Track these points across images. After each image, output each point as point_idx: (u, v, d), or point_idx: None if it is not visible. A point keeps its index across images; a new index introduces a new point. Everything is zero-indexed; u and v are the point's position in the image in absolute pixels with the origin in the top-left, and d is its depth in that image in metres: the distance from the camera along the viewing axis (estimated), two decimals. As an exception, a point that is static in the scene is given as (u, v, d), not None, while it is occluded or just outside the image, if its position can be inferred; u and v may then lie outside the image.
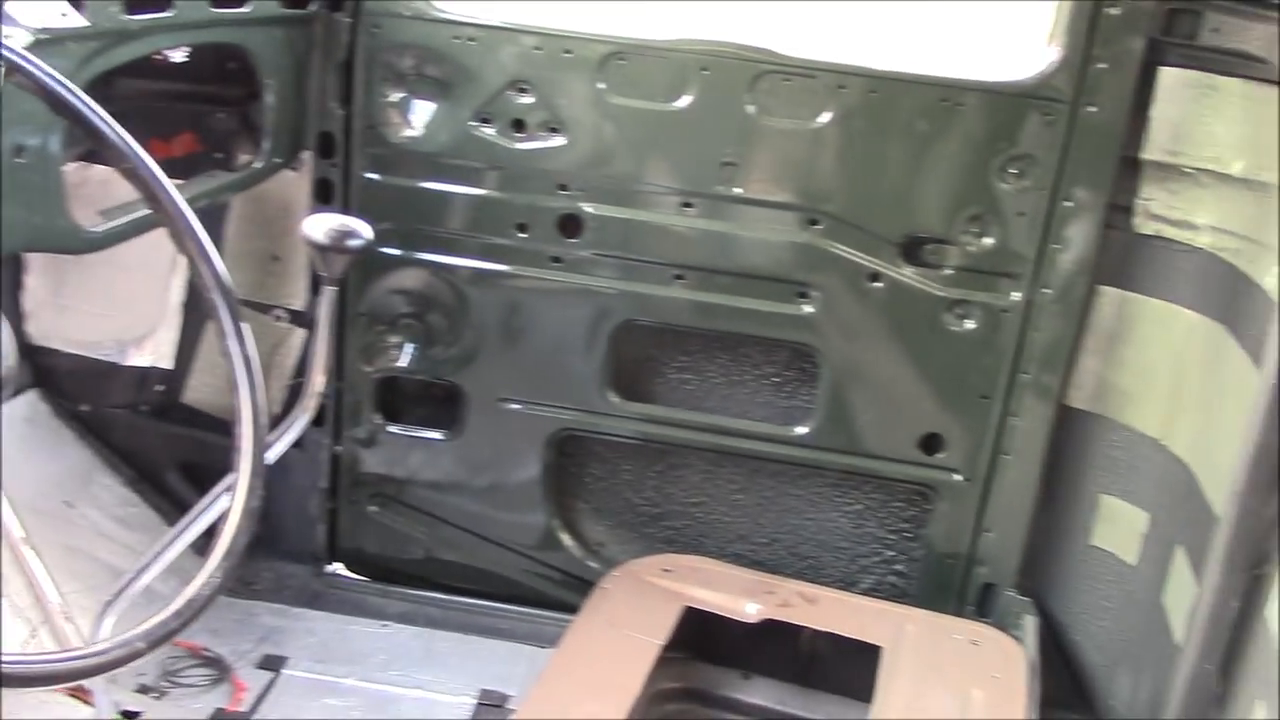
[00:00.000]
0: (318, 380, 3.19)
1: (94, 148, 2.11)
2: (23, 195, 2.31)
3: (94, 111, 2.06)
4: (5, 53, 1.93)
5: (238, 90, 3.50)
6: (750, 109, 3.49)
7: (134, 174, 2.13)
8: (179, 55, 3.46)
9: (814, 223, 3.57)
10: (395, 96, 3.63)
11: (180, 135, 3.48)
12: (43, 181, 2.40)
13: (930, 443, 3.75)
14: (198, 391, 4.02)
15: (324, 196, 3.69)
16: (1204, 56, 3.22)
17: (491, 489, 3.98)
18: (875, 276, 3.59)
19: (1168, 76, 3.28)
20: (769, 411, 3.89)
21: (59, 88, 2.00)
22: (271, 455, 2.90)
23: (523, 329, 3.78)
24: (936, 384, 3.68)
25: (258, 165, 3.46)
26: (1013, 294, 3.55)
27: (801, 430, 3.81)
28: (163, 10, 2.78)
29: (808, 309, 3.65)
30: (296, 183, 3.68)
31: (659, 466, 4.02)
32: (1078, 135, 3.37)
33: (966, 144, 3.46)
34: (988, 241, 3.53)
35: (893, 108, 3.47)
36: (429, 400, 4.00)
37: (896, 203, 3.54)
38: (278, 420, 2.99)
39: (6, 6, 2.22)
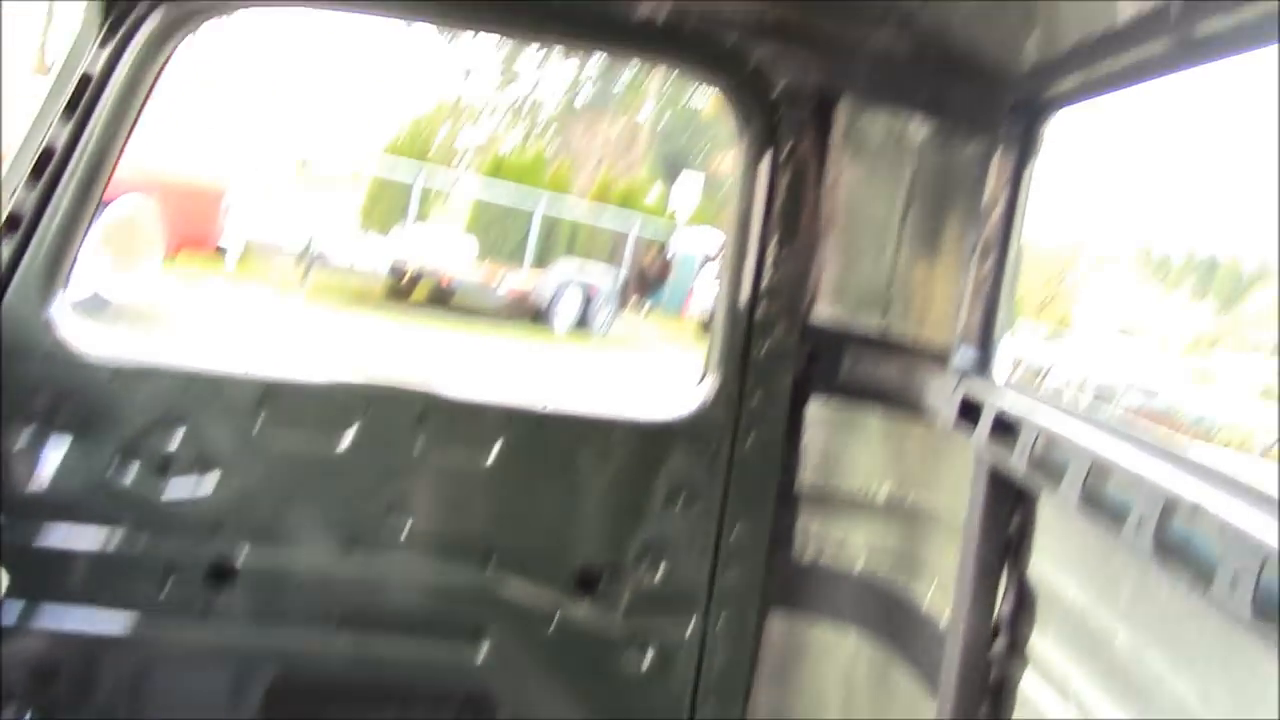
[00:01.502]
0: None
1: None
2: None
3: None
4: None
5: None
6: (415, 448, 3.38)
7: None
8: None
9: (484, 563, 3.43)
10: (25, 438, 3.23)
11: None
12: None
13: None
14: None
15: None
16: (846, 391, 3.45)
17: None
18: (549, 617, 3.46)
19: (815, 410, 3.47)
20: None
21: None
22: None
23: (161, 699, 3.32)
24: None
25: None
26: (686, 626, 3.51)
27: None
28: None
29: (479, 657, 3.44)
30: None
31: None
32: (736, 468, 3.47)
33: (632, 478, 3.48)
34: (659, 574, 3.50)
35: (559, 444, 3.47)
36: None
37: (567, 539, 3.48)
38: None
39: None
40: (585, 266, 27.09)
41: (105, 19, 2.97)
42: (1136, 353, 39.92)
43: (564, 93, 59.13)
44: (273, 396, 3.31)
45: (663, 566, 3.50)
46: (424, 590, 3.42)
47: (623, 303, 27.80)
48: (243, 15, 3.28)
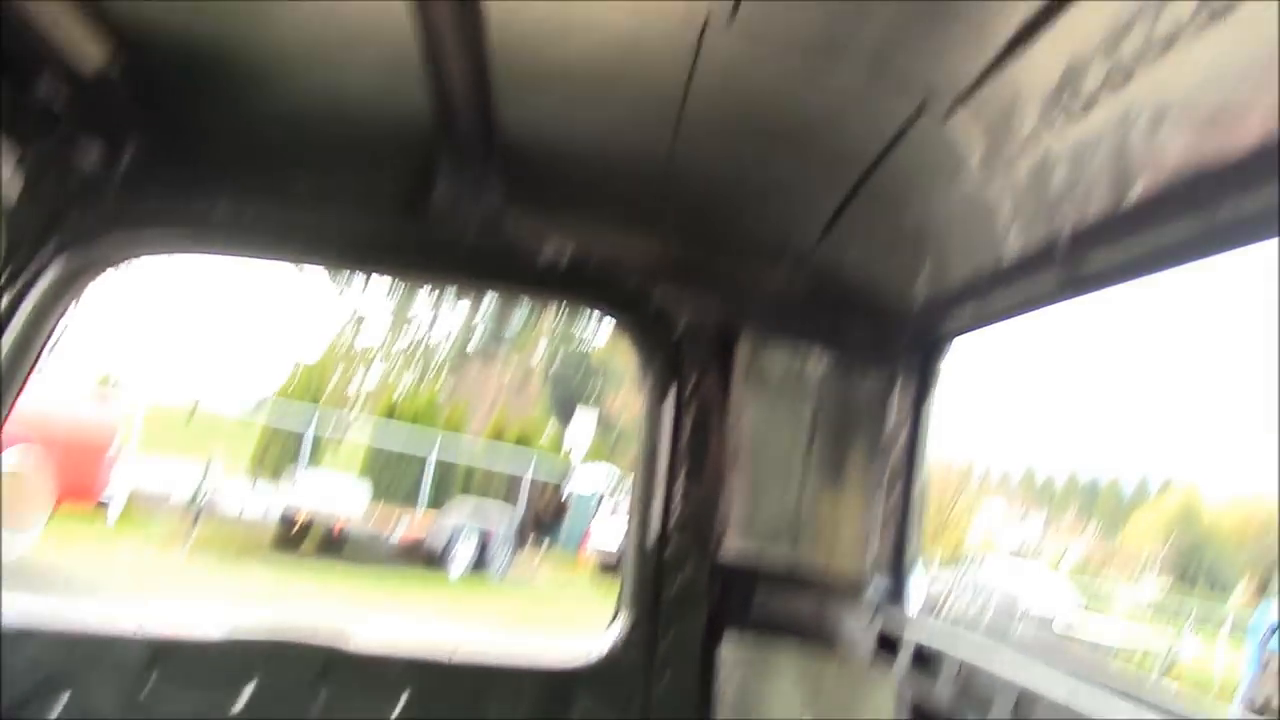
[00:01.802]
0: None
1: None
2: None
3: None
4: None
5: None
6: (317, 705, 3.21)
7: None
8: None
9: None
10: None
11: None
12: None
13: None
14: None
15: None
16: (761, 627, 3.40)
17: None
18: None
19: (730, 647, 3.41)
20: None
21: None
22: None
23: None
24: None
25: None
26: None
27: None
28: None
29: None
30: None
31: None
32: (654, 710, 3.36)
33: None
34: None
35: (467, 694, 3.33)
36: None
37: None
38: None
39: None
40: (481, 506, 26.79)
41: (3, 269, 2.94)
42: (1030, 577, 40.44)
43: (458, 336, 59.94)
44: (164, 656, 3.13)
45: None
46: None
47: (520, 544, 27.40)
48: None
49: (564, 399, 54.52)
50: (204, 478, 22.45)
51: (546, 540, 30.68)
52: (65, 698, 3.05)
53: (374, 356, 61.46)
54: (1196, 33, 1.64)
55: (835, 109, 2.55)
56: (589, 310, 3.63)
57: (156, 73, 2.71)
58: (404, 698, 3.25)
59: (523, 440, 34.79)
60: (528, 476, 32.76)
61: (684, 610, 3.39)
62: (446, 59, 2.44)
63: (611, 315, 3.55)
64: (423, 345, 61.50)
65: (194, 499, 22.07)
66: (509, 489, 32.57)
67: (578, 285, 3.38)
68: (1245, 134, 1.61)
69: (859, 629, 3.06)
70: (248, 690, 3.16)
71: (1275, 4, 1.49)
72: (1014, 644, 2.54)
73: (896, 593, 3.08)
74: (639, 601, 3.40)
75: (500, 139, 2.88)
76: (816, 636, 3.31)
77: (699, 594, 3.40)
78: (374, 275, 3.54)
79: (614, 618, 3.46)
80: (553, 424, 46.84)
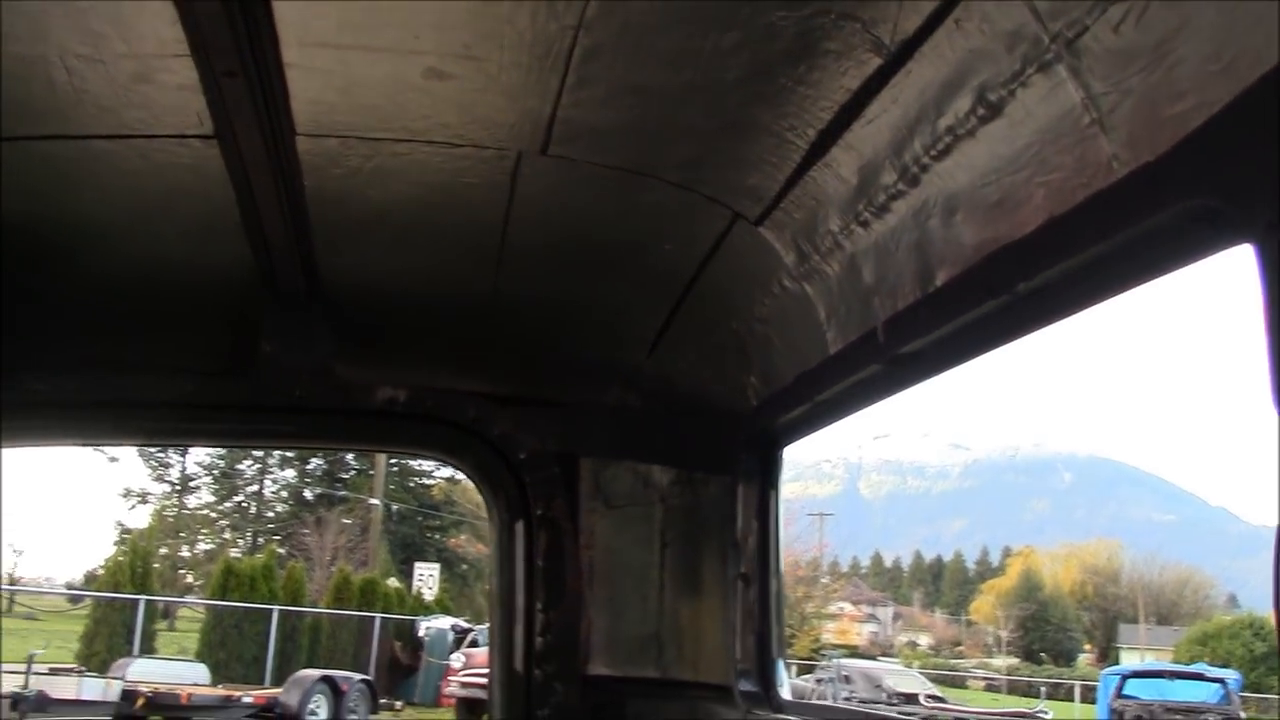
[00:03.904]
0: None
1: None
2: None
3: None
4: None
5: None
6: None
7: None
8: None
9: None
10: None
11: None
12: None
13: None
14: None
15: None
16: None
17: None
18: None
19: None
20: None
21: None
22: None
23: None
24: None
25: None
26: None
27: None
28: None
29: None
30: None
31: None
32: None
33: None
34: None
35: None
36: None
37: None
38: None
39: None
40: (330, 671, 25.75)
41: None
42: (886, 668, 41.00)
43: (288, 495, 58.35)
44: None
45: None
46: None
47: (375, 703, 26.42)
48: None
49: (406, 547, 53.45)
50: (29, 670, 21.05)
51: (403, 695, 29.72)
52: None
53: (204, 521, 59.28)
54: (975, 129, 1.79)
55: (652, 228, 2.66)
56: (428, 453, 3.63)
57: None
58: None
59: (366, 594, 33.79)
60: (376, 629, 31.82)
61: None
62: (263, 210, 2.45)
63: (451, 454, 3.56)
64: (255, 503, 59.67)
65: (21, 693, 20.64)
66: (357, 648, 31.56)
67: (414, 428, 3.39)
68: (1030, 217, 1.77)
69: None
70: None
71: (1041, 99, 1.65)
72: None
73: (765, 690, 3.11)
74: None
75: (325, 287, 2.90)
76: None
77: (571, 715, 3.37)
78: (206, 443, 3.47)
79: None
80: (397, 576, 45.77)
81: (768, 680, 3.12)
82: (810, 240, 2.40)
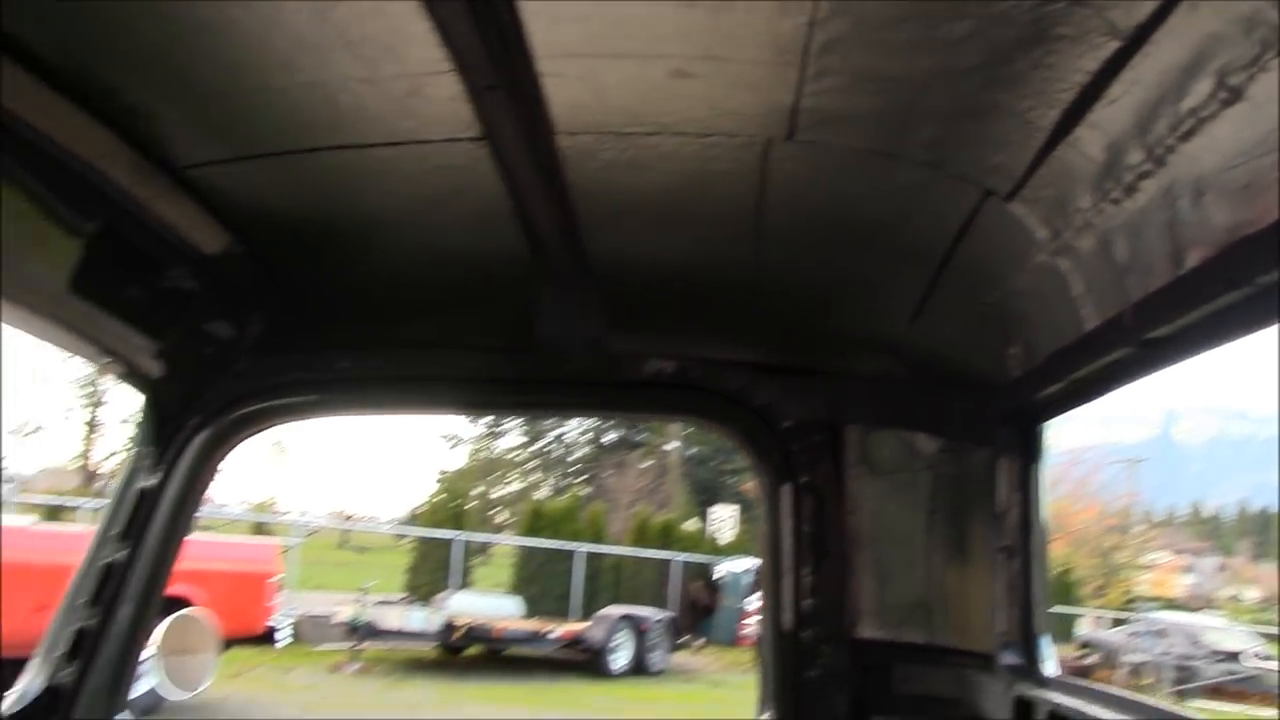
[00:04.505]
0: None
1: None
2: None
3: None
4: None
5: None
6: None
7: None
8: None
9: None
10: None
11: None
12: None
13: None
14: None
15: None
16: (901, 705, 3.45)
17: None
18: None
19: None
20: None
21: None
22: None
23: None
24: None
25: None
26: None
27: None
28: None
29: None
30: None
31: None
32: None
33: None
34: None
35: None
36: None
37: None
38: None
39: None
40: (631, 610, 26.78)
41: (155, 441, 3.24)
42: (1205, 623, 38.60)
43: (590, 440, 60.53)
44: None
45: None
46: None
47: (675, 640, 27.31)
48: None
49: (706, 487, 54.43)
50: (362, 600, 23.01)
51: (701, 634, 30.51)
52: None
53: (512, 464, 62.44)
54: (1217, 112, 1.76)
55: (902, 206, 2.69)
56: (695, 420, 3.78)
57: (272, 249, 2.99)
58: None
59: (666, 535, 34.82)
60: (676, 570, 32.75)
61: (825, 694, 3.45)
62: (531, 202, 2.65)
63: (717, 423, 3.69)
64: (560, 447, 62.25)
65: (355, 621, 22.61)
66: (658, 588, 32.56)
67: (681, 398, 3.54)
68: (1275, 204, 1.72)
69: (995, 700, 3.10)
70: None
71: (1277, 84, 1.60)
72: (1147, 706, 2.56)
73: (1030, 661, 3.11)
74: (781, 690, 3.48)
75: (593, 268, 3.08)
76: (957, 711, 3.35)
77: (839, 677, 3.46)
78: (490, 414, 3.76)
79: (761, 708, 3.54)
80: (696, 515, 46.79)
81: (1032, 654, 3.11)
82: (1062, 216, 2.38)
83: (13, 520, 18.40)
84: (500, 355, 3.44)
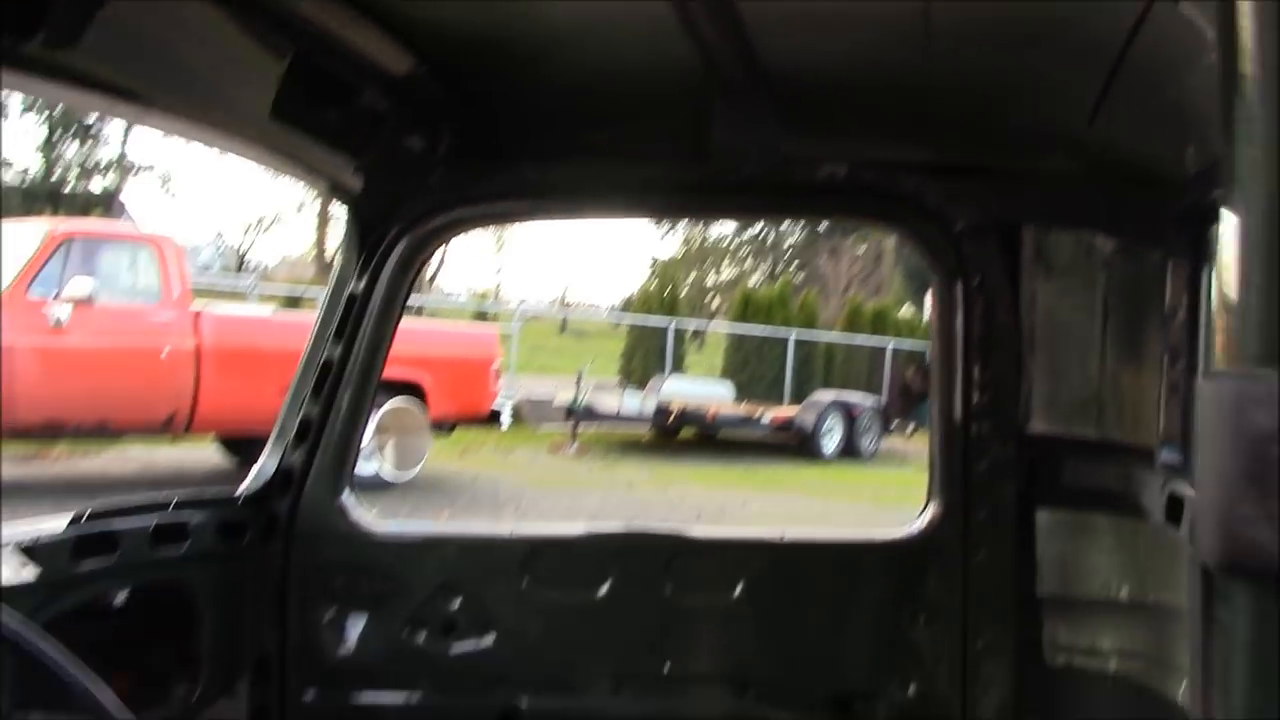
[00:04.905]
0: None
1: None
2: None
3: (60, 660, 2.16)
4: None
5: (171, 625, 3.58)
6: (666, 590, 3.68)
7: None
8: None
9: (741, 694, 3.66)
10: (329, 615, 3.74)
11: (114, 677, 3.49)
12: None
13: None
14: None
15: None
16: (1069, 498, 3.54)
17: None
18: (811, 742, 3.64)
19: (1044, 518, 3.57)
20: None
21: (22, 635, 2.11)
22: None
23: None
24: None
25: (195, 697, 3.48)
26: None
27: None
28: (108, 555, 2.96)
29: None
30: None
31: None
32: (973, 580, 3.59)
33: (873, 599, 3.66)
34: (911, 692, 3.63)
35: (799, 572, 3.69)
36: None
37: (818, 663, 3.67)
38: None
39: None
40: (843, 395, 27.03)
41: (360, 249, 3.55)
42: None
43: (802, 226, 59.83)
44: (536, 555, 3.70)
45: (913, 685, 3.63)
46: None
47: (886, 425, 27.51)
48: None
49: (918, 276, 53.42)
50: (580, 384, 23.98)
51: (913, 419, 30.57)
52: (461, 595, 3.69)
53: (726, 250, 62.56)
54: None
55: (1073, 4, 2.63)
56: (869, 223, 3.83)
57: (456, 67, 3.15)
58: (742, 581, 3.66)
59: (879, 322, 34.64)
60: (889, 356, 32.68)
61: (994, 486, 3.58)
62: (700, 18, 2.71)
63: (891, 224, 3.74)
64: (773, 232, 61.89)
65: (573, 404, 23.65)
66: (869, 374, 32.60)
67: (855, 199, 3.59)
68: None
69: (1151, 495, 3.15)
70: (607, 581, 3.68)
71: None
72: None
73: (1186, 460, 3.13)
74: (949, 481, 3.62)
75: (765, 74, 3.13)
76: (1121, 505, 3.42)
77: (1008, 470, 3.57)
78: (671, 218, 3.90)
79: (929, 497, 3.70)
80: (908, 303, 46.16)
81: (1188, 453, 3.13)
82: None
83: (254, 310, 19.88)
84: (677, 162, 3.56)
